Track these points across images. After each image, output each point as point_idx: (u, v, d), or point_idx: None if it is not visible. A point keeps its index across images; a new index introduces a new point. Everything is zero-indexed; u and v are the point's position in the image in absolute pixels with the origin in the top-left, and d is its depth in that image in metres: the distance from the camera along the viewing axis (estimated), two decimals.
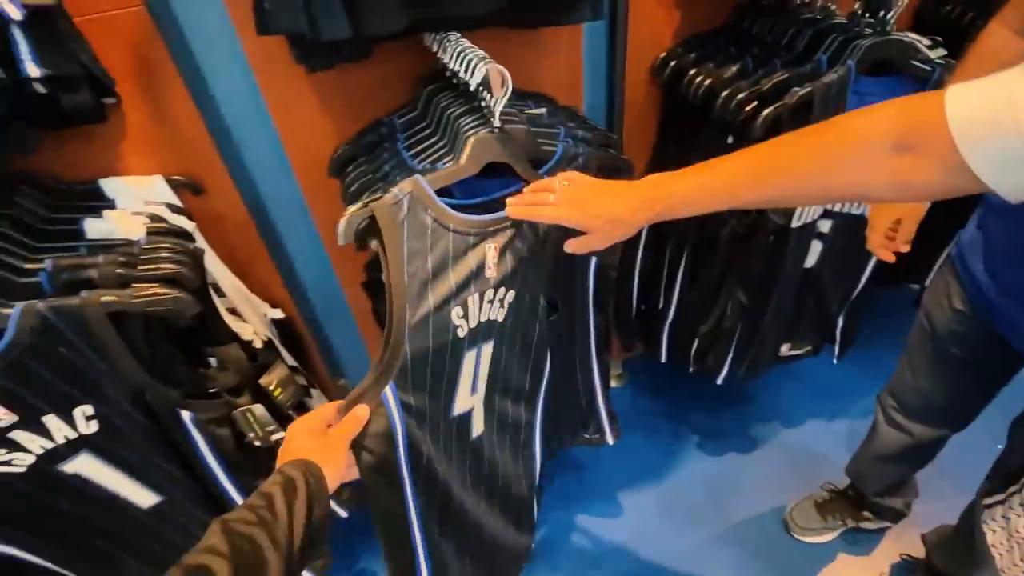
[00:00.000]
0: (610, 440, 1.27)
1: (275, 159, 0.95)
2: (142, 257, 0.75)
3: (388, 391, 0.74)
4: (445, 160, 0.80)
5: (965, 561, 0.93)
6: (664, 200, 0.66)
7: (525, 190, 0.76)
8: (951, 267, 0.92)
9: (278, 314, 1.08)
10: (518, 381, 0.97)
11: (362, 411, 0.72)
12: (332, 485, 0.63)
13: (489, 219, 0.77)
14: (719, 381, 1.38)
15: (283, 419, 0.95)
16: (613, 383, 1.71)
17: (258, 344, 0.97)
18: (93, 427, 0.75)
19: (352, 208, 0.71)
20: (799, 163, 0.57)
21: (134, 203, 0.84)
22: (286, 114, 0.92)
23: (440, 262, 0.74)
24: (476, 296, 0.79)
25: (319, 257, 1.09)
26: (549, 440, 1.23)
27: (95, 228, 0.78)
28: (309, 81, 0.90)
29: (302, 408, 1.04)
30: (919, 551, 1.26)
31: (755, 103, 1.00)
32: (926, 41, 1.02)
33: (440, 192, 0.75)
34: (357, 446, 0.73)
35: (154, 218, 0.82)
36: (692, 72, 1.09)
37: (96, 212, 0.80)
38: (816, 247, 1.22)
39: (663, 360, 1.47)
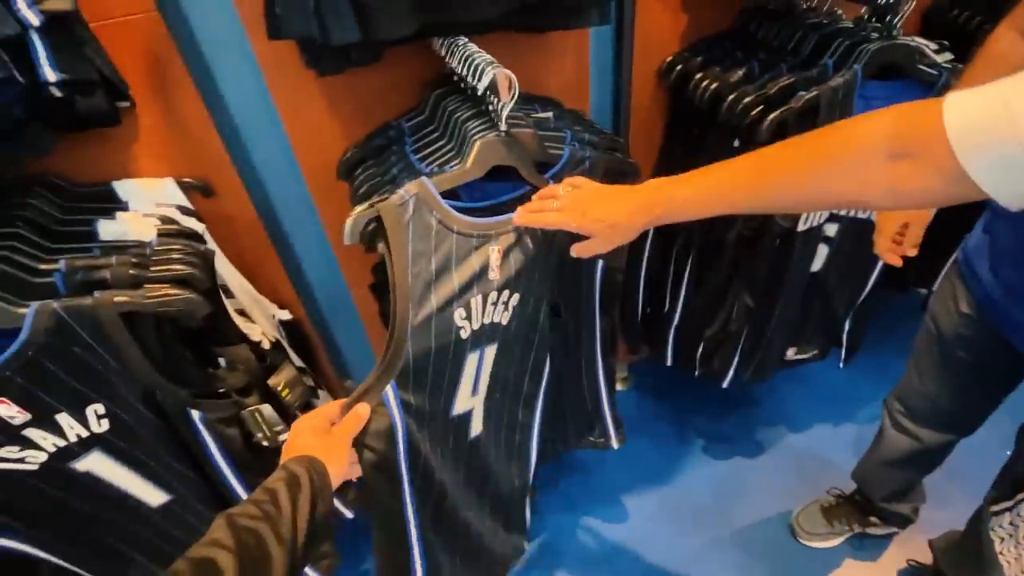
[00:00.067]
0: (615, 445, 1.27)
1: (284, 162, 0.96)
2: (154, 258, 0.76)
3: (389, 390, 0.75)
4: (452, 163, 0.80)
5: (973, 568, 0.93)
6: (663, 204, 0.66)
7: (533, 197, 0.77)
8: (958, 271, 0.92)
9: (286, 315, 1.09)
10: (519, 384, 0.98)
11: (363, 409, 0.73)
12: (335, 482, 0.64)
13: (492, 222, 0.78)
14: (725, 385, 1.38)
15: (290, 420, 0.95)
16: (618, 386, 1.71)
17: (266, 345, 0.98)
18: (105, 425, 0.76)
19: (358, 208, 0.72)
20: (796, 170, 0.57)
21: (146, 205, 0.85)
22: (296, 117, 0.93)
23: (443, 263, 0.74)
24: (479, 298, 0.79)
25: (327, 259, 1.10)
26: (553, 443, 1.23)
27: (108, 229, 0.79)
28: (319, 85, 0.91)
29: (309, 409, 1.04)
30: (926, 557, 1.25)
31: (761, 107, 1.00)
32: (933, 45, 1.02)
33: (448, 195, 0.75)
34: (359, 444, 0.74)
35: (165, 220, 0.83)
36: (698, 76, 1.10)
37: (109, 214, 0.81)
38: (822, 251, 1.21)
39: (668, 363, 1.47)
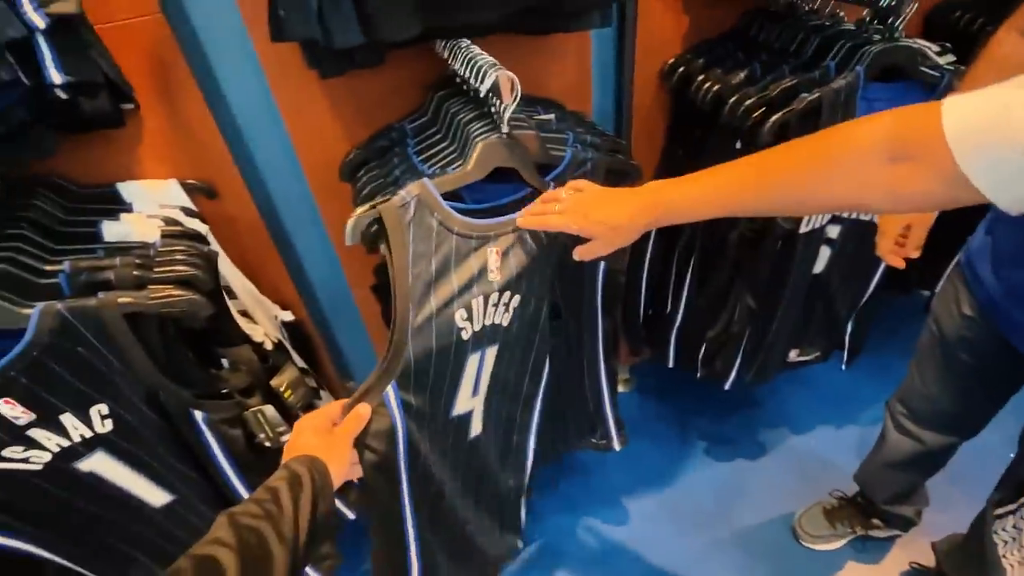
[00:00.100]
0: (616, 447, 1.28)
1: (287, 164, 0.97)
2: (157, 259, 0.76)
3: (390, 390, 0.75)
4: (455, 165, 0.81)
5: (976, 571, 0.92)
6: (663, 206, 0.67)
7: (536, 201, 0.78)
8: (960, 273, 0.92)
9: (288, 316, 1.10)
10: (519, 384, 0.98)
11: (364, 409, 0.73)
12: (337, 481, 0.64)
13: (492, 223, 0.78)
14: (727, 386, 1.38)
15: (293, 421, 0.96)
16: (620, 388, 1.71)
17: (269, 346, 0.98)
18: (108, 426, 0.77)
19: (360, 209, 0.72)
20: (797, 172, 0.57)
21: (150, 206, 0.85)
22: (298, 119, 0.93)
23: (443, 264, 0.75)
24: (480, 299, 0.80)
25: (329, 260, 1.10)
26: (554, 444, 1.23)
27: (112, 231, 0.79)
28: (321, 87, 0.91)
29: (311, 410, 1.04)
30: (929, 560, 1.24)
31: (763, 109, 1.00)
32: (935, 47, 1.02)
33: (449, 196, 0.76)
34: (360, 444, 0.75)
35: (169, 221, 0.83)
36: (700, 78, 1.10)
37: (113, 215, 0.81)
38: (825, 252, 1.21)
39: (670, 365, 1.47)
